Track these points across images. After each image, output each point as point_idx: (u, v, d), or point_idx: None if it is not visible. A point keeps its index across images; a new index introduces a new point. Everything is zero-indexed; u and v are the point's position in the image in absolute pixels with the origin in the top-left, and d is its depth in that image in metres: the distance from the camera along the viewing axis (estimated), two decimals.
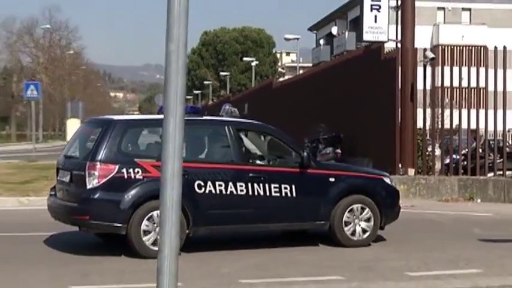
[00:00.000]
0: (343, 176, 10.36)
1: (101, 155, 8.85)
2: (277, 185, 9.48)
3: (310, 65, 56.98)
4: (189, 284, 6.93)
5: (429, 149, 17.01)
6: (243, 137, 10.19)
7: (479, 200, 15.60)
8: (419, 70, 16.23)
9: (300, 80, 29.77)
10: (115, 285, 7.16)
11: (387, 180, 10.67)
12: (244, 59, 66.62)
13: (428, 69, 16.57)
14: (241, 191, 9.30)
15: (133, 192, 8.84)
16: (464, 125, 16.52)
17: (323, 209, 9.81)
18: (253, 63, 61.89)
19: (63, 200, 9.46)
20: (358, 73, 19.17)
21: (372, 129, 17.59)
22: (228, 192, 9.19)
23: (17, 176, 19.00)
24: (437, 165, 16.68)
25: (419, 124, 16.41)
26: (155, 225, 8.61)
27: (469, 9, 43.47)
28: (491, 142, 16.92)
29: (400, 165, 15.89)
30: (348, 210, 9.96)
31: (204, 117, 10.86)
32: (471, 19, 43.52)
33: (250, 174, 9.40)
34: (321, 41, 56.89)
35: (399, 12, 17.97)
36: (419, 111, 16.46)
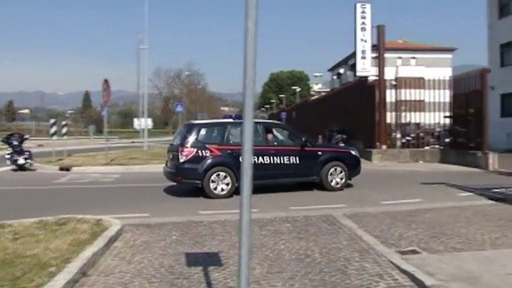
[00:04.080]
0: (326, 151, 11.84)
1: (187, 143, 10.64)
2: (287, 157, 11.24)
3: (329, 89, 72.21)
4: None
5: (393, 134, 21.21)
6: (267, 130, 11.83)
7: (421, 162, 19.84)
8: (388, 91, 20.73)
9: (323, 98, 38.04)
10: (222, 210, 8.55)
11: (353, 152, 12.49)
12: (293, 87, 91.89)
13: (392, 90, 21.23)
14: (267, 161, 11.01)
15: (204, 163, 10.55)
16: (412, 121, 20.99)
17: (315, 170, 11.25)
18: (297, 90, 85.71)
19: (169, 168, 11.43)
20: (354, 93, 24.04)
21: (362, 124, 21.89)
22: (259, 162, 10.73)
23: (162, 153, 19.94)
24: (398, 143, 21.04)
25: (388, 120, 20.75)
26: (218, 180, 10.58)
27: (415, 57, 62.10)
28: (427, 129, 21.30)
29: (378, 143, 20.49)
30: (330, 170, 11.54)
31: None
32: (416, 62, 60.96)
33: (272, 151, 11.17)
34: (334, 77, 77.88)
35: (376, 60, 21.05)
36: (388, 114, 20.69)
